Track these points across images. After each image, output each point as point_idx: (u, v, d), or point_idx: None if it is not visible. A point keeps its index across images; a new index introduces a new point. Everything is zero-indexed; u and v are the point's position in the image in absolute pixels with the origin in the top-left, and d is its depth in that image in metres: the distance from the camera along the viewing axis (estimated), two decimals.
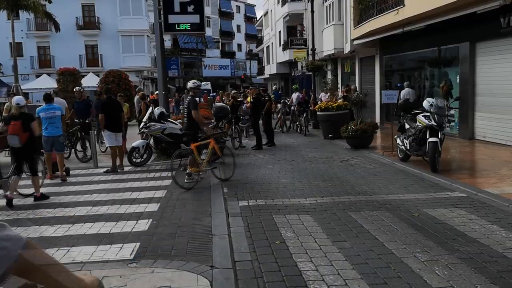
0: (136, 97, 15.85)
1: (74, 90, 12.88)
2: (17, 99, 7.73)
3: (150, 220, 5.90)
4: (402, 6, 13.89)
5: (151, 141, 11.12)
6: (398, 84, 13.66)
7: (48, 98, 9.39)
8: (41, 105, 9.91)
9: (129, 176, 9.43)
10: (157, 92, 17.69)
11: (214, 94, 36.35)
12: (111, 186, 8.36)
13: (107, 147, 11.51)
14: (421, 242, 4.77)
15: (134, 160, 10.44)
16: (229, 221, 5.82)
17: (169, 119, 11.27)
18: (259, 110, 13.85)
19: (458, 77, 13.31)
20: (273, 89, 31.68)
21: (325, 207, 6.39)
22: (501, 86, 11.45)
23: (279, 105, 20.16)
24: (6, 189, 7.29)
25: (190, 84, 8.77)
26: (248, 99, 18.80)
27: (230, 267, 4.24)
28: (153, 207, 6.62)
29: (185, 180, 8.03)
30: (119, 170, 9.91)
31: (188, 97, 8.62)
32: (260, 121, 14.09)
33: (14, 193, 7.19)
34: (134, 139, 11.20)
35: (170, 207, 6.61)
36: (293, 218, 5.85)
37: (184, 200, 7.03)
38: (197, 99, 9.01)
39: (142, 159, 10.59)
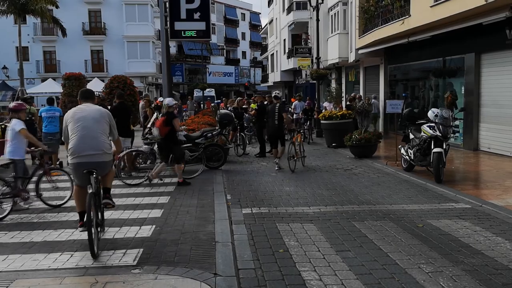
0: (141, 103, 15.90)
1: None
2: (168, 100, 9.34)
3: (154, 226, 5.89)
4: (407, 16, 13.94)
5: (155, 147, 11.12)
6: (404, 94, 13.65)
7: (50, 101, 11.16)
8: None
9: (132, 181, 9.42)
10: (160, 98, 17.75)
11: (219, 101, 36.40)
12: (115, 191, 8.33)
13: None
14: (425, 253, 4.75)
15: (138, 165, 10.45)
16: (232, 228, 5.82)
17: None
18: (263, 117, 13.81)
19: (463, 88, 13.31)
20: None
21: (328, 216, 6.38)
22: (506, 97, 11.45)
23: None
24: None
25: (275, 93, 11.31)
26: (252, 105, 18.86)
27: (233, 275, 4.22)
28: (157, 213, 6.62)
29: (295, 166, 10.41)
30: (122, 175, 9.91)
31: (278, 104, 10.93)
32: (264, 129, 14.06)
33: (156, 179, 8.98)
34: (139, 145, 11.21)
35: (173, 213, 6.60)
36: (296, 226, 5.84)
37: (188, 206, 7.03)
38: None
39: (146, 165, 10.59)
